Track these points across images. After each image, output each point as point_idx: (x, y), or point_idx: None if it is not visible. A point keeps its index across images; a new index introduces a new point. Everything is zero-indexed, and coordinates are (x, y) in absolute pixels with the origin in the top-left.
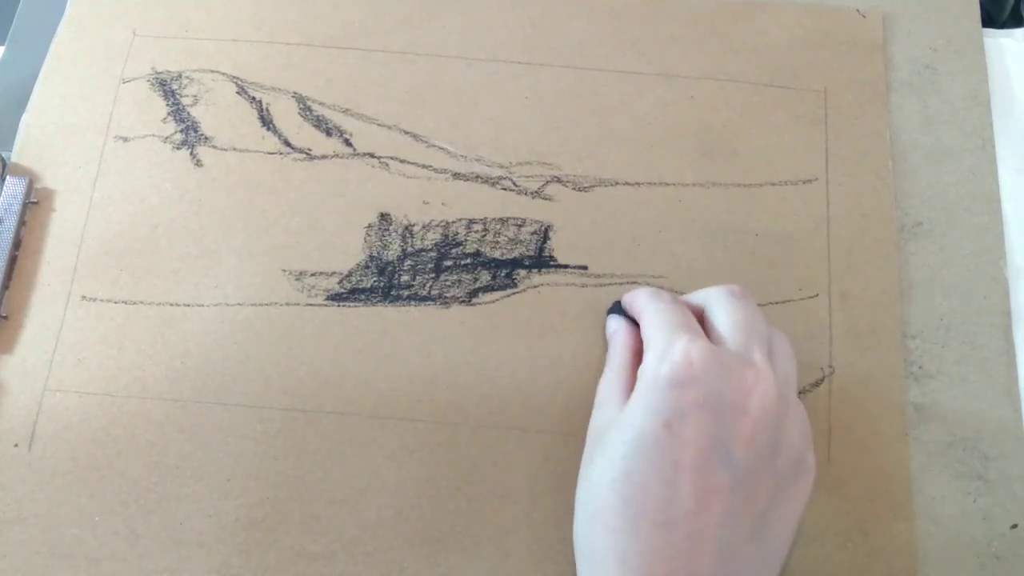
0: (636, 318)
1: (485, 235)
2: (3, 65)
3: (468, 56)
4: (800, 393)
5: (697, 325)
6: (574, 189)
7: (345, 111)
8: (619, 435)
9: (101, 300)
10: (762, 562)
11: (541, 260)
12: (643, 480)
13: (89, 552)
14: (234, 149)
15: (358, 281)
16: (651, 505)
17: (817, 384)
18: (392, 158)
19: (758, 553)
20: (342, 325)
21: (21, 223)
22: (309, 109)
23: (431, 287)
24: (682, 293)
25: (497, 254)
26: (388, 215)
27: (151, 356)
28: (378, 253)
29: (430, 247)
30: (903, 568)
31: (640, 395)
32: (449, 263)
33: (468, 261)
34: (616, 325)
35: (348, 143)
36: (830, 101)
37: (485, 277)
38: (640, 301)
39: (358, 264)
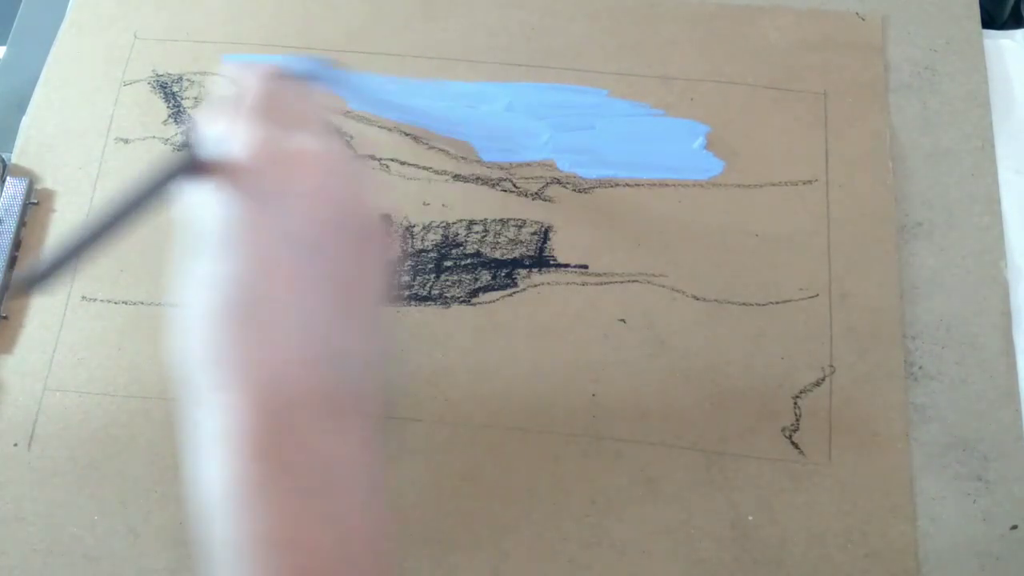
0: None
1: (485, 236)
2: (4, 67)
3: (469, 58)
4: (801, 393)
5: (262, 107)
6: (574, 190)
7: (345, 113)
8: (192, 241)
9: (101, 300)
10: (355, 331)
11: (542, 260)
12: (218, 281)
13: (88, 551)
14: None
15: None
16: (230, 303)
17: (818, 384)
18: (393, 160)
19: (349, 323)
20: None
21: (21, 224)
22: None
23: (431, 287)
24: (684, 293)
25: (497, 254)
26: (388, 216)
27: (151, 356)
28: None
29: (430, 248)
30: (903, 568)
31: (205, 194)
32: (449, 263)
33: (468, 261)
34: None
35: (349, 145)
36: (830, 103)
37: (485, 277)
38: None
39: None
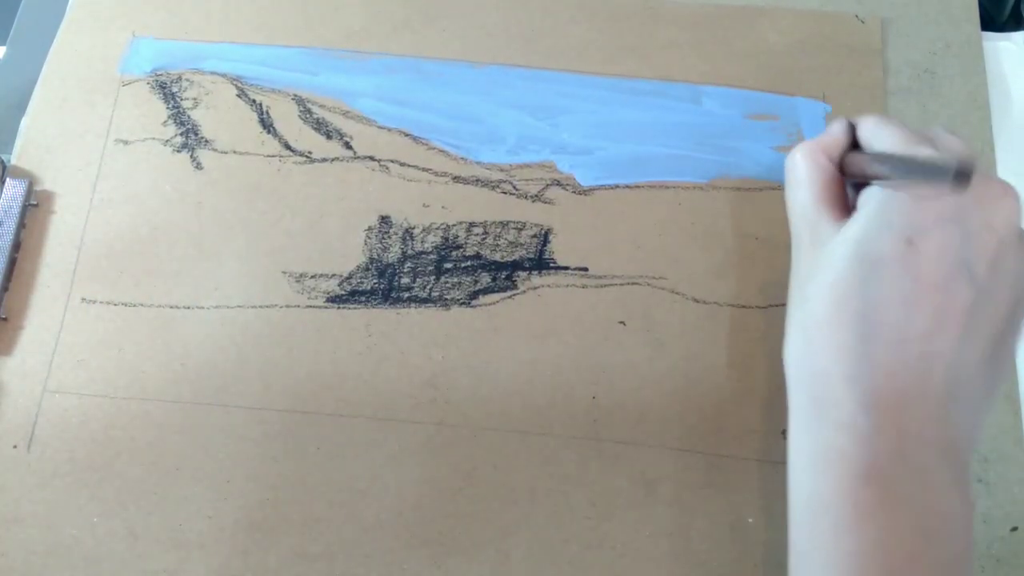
0: (864, 143)
1: (485, 238)
2: (3, 67)
3: (468, 59)
4: None
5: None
6: (574, 192)
7: (345, 114)
8: (852, 250)
9: (101, 302)
10: (989, 386)
11: (541, 262)
12: (879, 297)
13: (87, 552)
14: (234, 152)
15: (358, 283)
16: (886, 323)
17: None
18: (392, 161)
19: (987, 376)
20: (342, 327)
21: (21, 225)
22: (309, 112)
23: (431, 289)
24: (684, 295)
25: (497, 257)
26: (388, 218)
27: (151, 358)
28: (378, 255)
29: (430, 249)
30: None
31: (877, 208)
32: (449, 265)
33: (468, 263)
34: (834, 129)
35: (348, 146)
36: (829, 105)
37: (485, 279)
38: (869, 123)
39: (358, 266)
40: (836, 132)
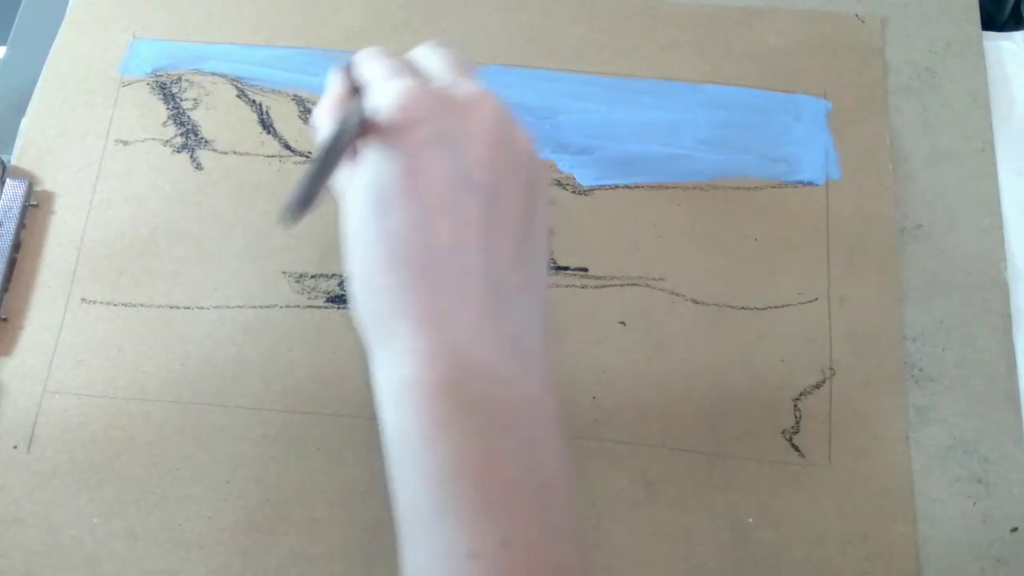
0: (358, 80)
1: None
2: (4, 68)
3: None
4: (801, 395)
5: (413, 70)
6: (574, 192)
7: None
8: (365, 196)
9: (101, 302)
10: (529, 279)
11: None
12: (399, 232)
13: (88, 553)
14: (234, 152)
15: None
16: (412, 253)
17: (817, 386)
18: None
19: (523, 271)
20: (342, 327)
21: (21, 226)
22: (309, 112)
23: None
24: (683, 297)
25: None
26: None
27: (151, 358)
28: None
29: None
30: (903, 571)
31: (373, 149)
32: None
33: None
34: (331, 82)
35: None
36: (830, 102)
37: None
38: (358, 60)
39: None
40: (338, 81)
